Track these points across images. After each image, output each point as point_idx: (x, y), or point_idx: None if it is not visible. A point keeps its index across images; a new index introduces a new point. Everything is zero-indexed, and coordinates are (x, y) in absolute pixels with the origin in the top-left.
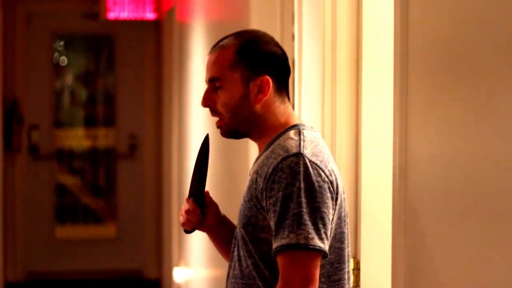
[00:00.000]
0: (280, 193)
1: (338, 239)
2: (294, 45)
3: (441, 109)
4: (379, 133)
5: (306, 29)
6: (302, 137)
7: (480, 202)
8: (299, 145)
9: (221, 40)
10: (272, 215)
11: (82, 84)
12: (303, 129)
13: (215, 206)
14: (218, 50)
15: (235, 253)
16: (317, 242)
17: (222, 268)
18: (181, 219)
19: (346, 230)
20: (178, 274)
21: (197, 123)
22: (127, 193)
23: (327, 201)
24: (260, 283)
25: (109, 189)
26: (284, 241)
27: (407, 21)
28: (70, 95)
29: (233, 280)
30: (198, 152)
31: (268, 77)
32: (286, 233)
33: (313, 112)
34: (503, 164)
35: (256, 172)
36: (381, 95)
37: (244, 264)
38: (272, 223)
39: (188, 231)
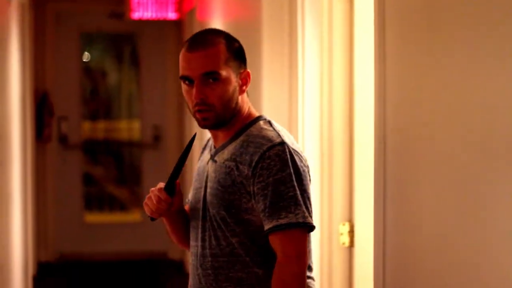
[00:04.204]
0: (271, 179)
1: None
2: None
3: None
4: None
5: (308, 31)
6: (275, 127)
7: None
8: (279, 135)
9: (198, 38)
10: (261, 198)
11: (106, 79)
12: (270, 120)
13: (181, 195)
14: (207, 47)
15: (208, 233)
16: (310, 220)
17: None
18: (149, 207)
19: None
20: None
21: None
22: (152, 181)
23: (309, 183)
24: (247, 258)
25: (134, 178)
26: (283, 221)
27: None
28: (95, 90)
29: (210, 259)
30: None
31: (248, 70)
32: (283, 213)
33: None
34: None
35: (234, 160)
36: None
37: (223, 243)
38: (260, 205)
39: (155, 219)
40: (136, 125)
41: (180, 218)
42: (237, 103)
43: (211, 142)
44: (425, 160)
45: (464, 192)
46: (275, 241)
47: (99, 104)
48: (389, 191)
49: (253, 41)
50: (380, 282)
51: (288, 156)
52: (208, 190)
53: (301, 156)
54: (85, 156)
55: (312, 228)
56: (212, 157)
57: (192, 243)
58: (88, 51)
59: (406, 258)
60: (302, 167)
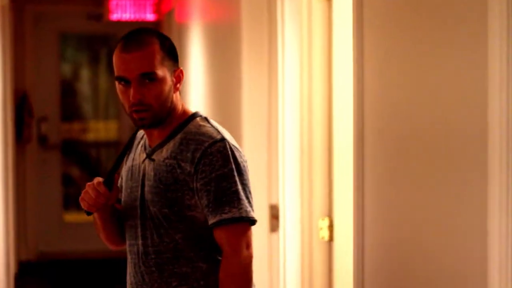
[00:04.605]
0: (214, 175)
1: None
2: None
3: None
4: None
5: (288, 31)
6: (213, 123)
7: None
8: (218, 131)
9: (132, 38)
10: (204, 194)
11: (86, 80)
12: (206, 116)
13: (118, 189)
14: (142, 47)
15: (149, 231)
16: (253, 214)
17: None
18: (87, 202)
19: None
20: None
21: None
22: None
23: (249, 177)
24: (191, 253)
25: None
26: (226, 216)
27: None
28: (75, 91)
29: (153, 256)
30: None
31: (181, 68)
32: (227, 208)
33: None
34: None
35: (175, 158)
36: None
37: (167, 239)
38: (204, 201)
39: (91, 213)
40: (113, 125)
41: (113, 214)
42: (172, 101)
43: (144, 141)
44: (402, 157)
45: (440, 188)
46: (220, 236)
47: (77, 104)
48: (367, 187)
49: (232, 42)
50: (359, 275)
51: (230, 152)
52: (147, 188)
53: (240, 152)
54: (65, 156)
55: (254, 222)
56: (148, 156)
57: (130, 241)
58: (66, 52)
59: (384, 252)
60: (242, 162)
